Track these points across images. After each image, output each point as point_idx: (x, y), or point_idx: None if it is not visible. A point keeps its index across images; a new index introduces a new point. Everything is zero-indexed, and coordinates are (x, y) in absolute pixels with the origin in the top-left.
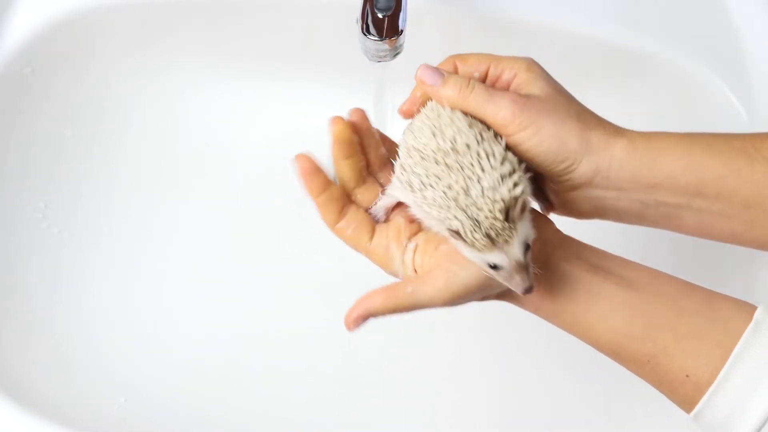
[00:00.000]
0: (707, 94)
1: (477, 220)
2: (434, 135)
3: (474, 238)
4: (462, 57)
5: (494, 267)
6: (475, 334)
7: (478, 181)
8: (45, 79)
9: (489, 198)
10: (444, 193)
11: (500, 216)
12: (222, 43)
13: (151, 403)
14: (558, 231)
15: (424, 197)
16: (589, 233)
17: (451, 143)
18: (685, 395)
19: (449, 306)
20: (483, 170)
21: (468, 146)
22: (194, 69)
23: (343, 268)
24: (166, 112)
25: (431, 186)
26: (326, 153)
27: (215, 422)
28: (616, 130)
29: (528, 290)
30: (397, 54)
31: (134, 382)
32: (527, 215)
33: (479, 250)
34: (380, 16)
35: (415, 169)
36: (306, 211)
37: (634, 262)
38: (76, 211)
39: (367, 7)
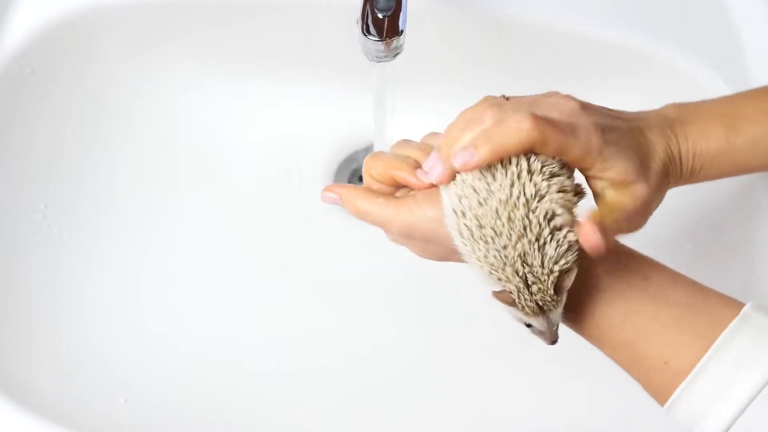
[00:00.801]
0: (708, 94)
1: (529, 288)
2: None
3: (525, 304)
4: (542, 142)
5: (528, 325)
6: (477, 333)
7: (539, 250)
8: (45, 79)
9: (547, 269)
10: (497, 252)
11: (551, 288)
12: (222, 43)
13: (151, 403)
14: None
15: (474, 250)
16: None
17: (517, 196)
18: (662, 384)
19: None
20: (545, 236)
21: (527, 202)
22: (194, 69)
23: (345, 268)
24: (166, 112)
25: (483, 240)
26: (326, 153)
27: (216, 423)
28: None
29: (553, 343)
30: (397, 54)
31: (134, 383)
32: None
33: (525, 315)
34: (380, 16)
35: (467, 214)
36: (307, 211)
37: (626, 249)
38: (76, 212)
39: (368, 7)
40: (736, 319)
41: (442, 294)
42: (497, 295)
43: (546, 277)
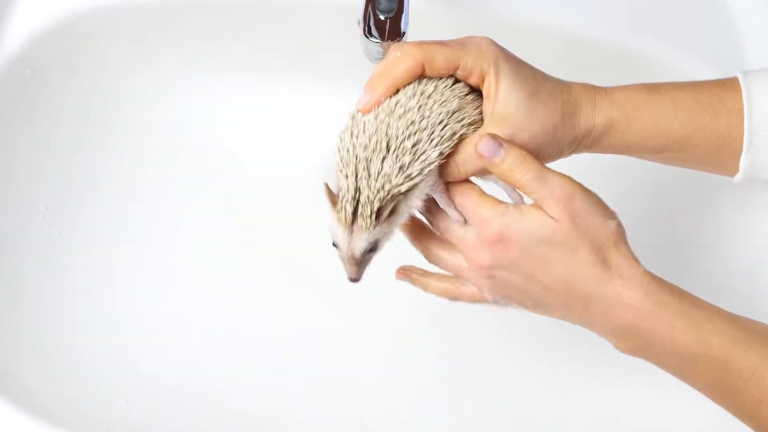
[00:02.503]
0: None
1: (356, 196)
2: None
3: (344, 207)
4: (430, 59)
5: (334, 244)
6: (478, 333)
7: (382, 162)
8: (45, 80)
9: (380, 184)
10: (353, 149)
11: (375, 205)
12: (223, 44)
13: (151, 405)
14: None
15: (342, 143)
16: None
17: (418, 103)
18: None
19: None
20: (398, 152)
21: (413, 122)
22: (195, 70)
23: None
24: (166, 113)
25: (354, 136)
26: (326, 154)
27: (216, 424)
28: (593, 107)
29: (352, 281)
30: None
31: (135, 385)
32: (397, 219)
33: (337, 221)
34: (382, 18)
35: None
36: (307, 212)
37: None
38: (77, 213)
39: (369, 8)
40: None
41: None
42: (327, 188)
43: (375, 192)
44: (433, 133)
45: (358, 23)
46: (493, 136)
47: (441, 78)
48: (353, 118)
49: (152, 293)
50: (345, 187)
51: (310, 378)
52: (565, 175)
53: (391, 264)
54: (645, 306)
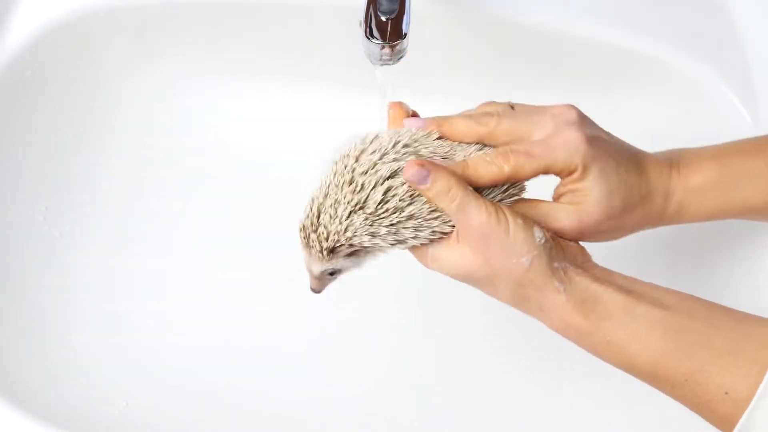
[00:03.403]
0: (711, 98)
1: (315, 227)
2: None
3: (302, 229)
4: (516, 171)
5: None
6: (478, 334)
7: (350, 213)
8: (45, 81)
9: (331, 226)
10: (332, 184)
11: (325, 245)
12: (223, 45)
13: (152, 406)
14: (589, 258)
15: (329, 173)
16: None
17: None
18: (725, 414)
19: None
20: (374, 214)
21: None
22: (195, 71)
23: None
24: (167, 114)
25: (338, 174)
26: (327, 154)
27: (217, 425)
28: (666, 197)
29: (312, 291)
30: (400, 57)
31: (135, 386)
32: (361, 259)
33: (302, 243)
34: (384, 19)
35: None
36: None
37: (663, 287)
38: (77, 214)
39: (371, 10)
40: None
41: (446, 298)
42: (308, 201)
43: (332, 234)
44: (417, 221)
45: (360, 24)
46: (421, 164)
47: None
48: (348, 157)
49: (153, 293)
50: (307, 213)
51: (311, 378)
52: (485, 206)
53: (393, 264)
54: (568, 334)
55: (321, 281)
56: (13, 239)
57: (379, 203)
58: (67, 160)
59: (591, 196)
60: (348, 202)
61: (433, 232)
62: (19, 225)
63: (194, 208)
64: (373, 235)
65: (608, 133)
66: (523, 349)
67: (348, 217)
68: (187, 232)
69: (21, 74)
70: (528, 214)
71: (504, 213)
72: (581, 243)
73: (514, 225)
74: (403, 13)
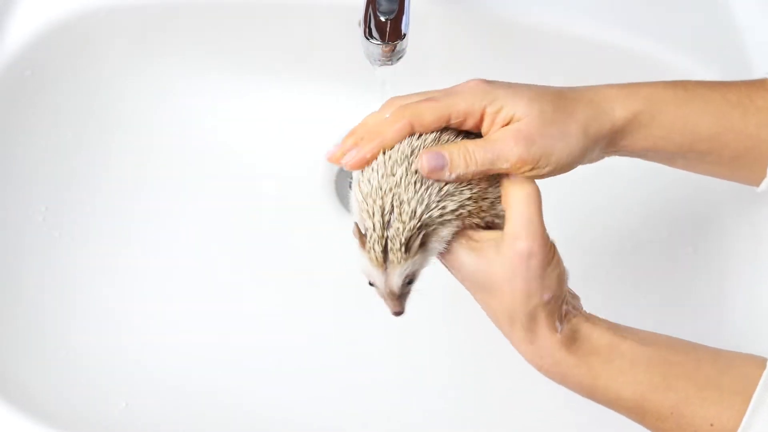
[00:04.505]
0: None
1: (384, 230)
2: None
3: (373, 247)
4: (418, 118)
5: (371, 284)
6: (478, 334)
7: (414, 186)
8: (45, 81)
9: (411, 211)
10: (374, 180)
11: (405, 236)
12: (223, 45)
13: (152, 407)
14: (579, 301)
15: (362, 178)
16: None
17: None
18: None
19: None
20: (423, 191)
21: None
22: (195, 71)
23: (347, 271)
24: (167, 114)
25: (375, 177)
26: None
27: (217, 426)
28: (617, 101)
29: (396, 314)
30: (400, 58)
31: (135, 387)
32: (430, 249)
33: (369, 261)
34: (383, 19)
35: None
36: (309, 214)
37: (646, 330)
38: (77, 214)
39: (370, 10)
40: (765, 373)
41: (449, 298)
42: (356, 228)
43: (406, 221)
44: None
45: (359, 24)
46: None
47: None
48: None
49: (153, 294)
50: (371, 226)
51: (311, 378)
52: (538, 232)
53: None
54: (554, 371)
55: (401, 298)
56: (12, 239)
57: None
58: (67, 160)
59: (515, 110)
60: (405, 180)
61: (492, 214)
62: (19, 225)
63: (194, 208)
64: (443, 209)
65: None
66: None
67: (416, 194)
68: (187, 232)
69: (21, 74)
70: (476, 157)
71: (553, 247)
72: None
73: (556, 259)
74: (403, 13)
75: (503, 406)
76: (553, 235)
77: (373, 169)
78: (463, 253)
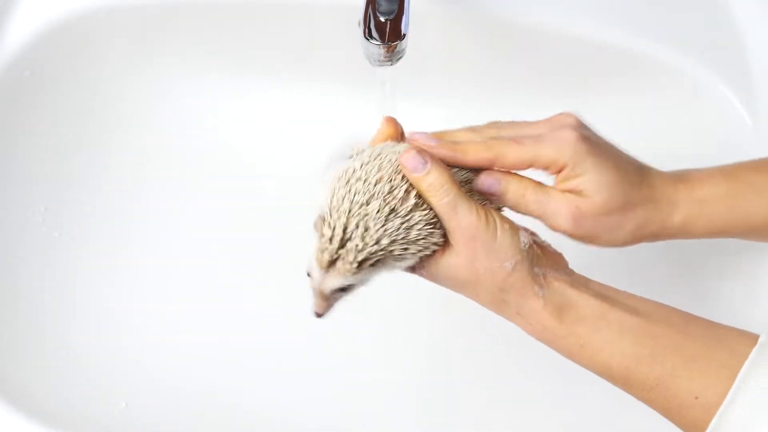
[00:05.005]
0: (711, 99)
1: (343, 240)
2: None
3: (326, 247)
4: (500, 157)
5: (308, 274)
6: (478, 334)
7: (387, 215)
8: (45, 81)
9: (375, 237)
10: (349, 192)
11: (360, 255)
12: (223, 45)
13: (152, 407)
14: (567, 265)
15: (339, 179)
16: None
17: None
18: (695, 418)
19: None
20: (391, 225)
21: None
22: (195, 72)
23: None
24: (167, 114)
25: (353, 179)
26: (327, 155)
27: (217, 426)
28: (672, 205)
29: (317, 315)
30: (399, 58)
31: (135, 387)
32: (375, 272)
33: (316, 260)
34: (382, 19)
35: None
36: (308, 213)
37: (638, 295)
38: (76, 214)
39: (370, 10)
40: (755, 349)
41: (447, 298)
42: (317, 220)
43: (368, 244)
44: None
45: (359, 25)
46: (420, 152)
47: None
48: (353, 168)
49: (152, 294)
50: (328, 237)
51: (311, 378)
52: (475, 208)
53: None
54: (543, 337)
55: (328, 301)
56: (12, 240)
57: (410, 209)
58: (66, 160)
59: (588, 186)
60: (377, 209)
61: (435, 243)
62: (19, 225)
63: (194, 208)
64: (406, 241)
65: (608, 141)
66: (526, 349)
67: (384, 224)
68: (187, 232)
69: (21, 74)
70: (527, 204)
71: (493, 217)
72: (590, 245)
73: (501, 229)
74: (402, 13)
75: (503, 405)
76: (549, 235)
77: (349, 188)
78: (432, 264)
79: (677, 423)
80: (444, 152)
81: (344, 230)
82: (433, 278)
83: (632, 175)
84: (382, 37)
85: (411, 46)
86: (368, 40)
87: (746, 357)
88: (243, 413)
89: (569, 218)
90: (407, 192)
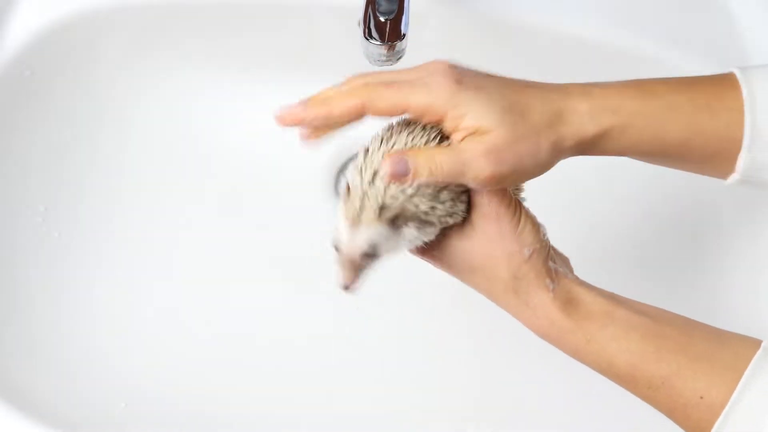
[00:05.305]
0: None
1: (368, 190)
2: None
3: (353, 202)
4: (371, 101)
5: (335, 247)
6: (482, 333)
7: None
8: (45, 81)
9: (395, 188)
10: (385, 143)
11: (380, 201)
12: (223, 45)
13: (151, 407)
14: (572, 269)
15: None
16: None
17: None
18: (700, 419)
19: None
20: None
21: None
22: (194, 71)
23: None
24: (166, 114)
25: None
26: (327, 156)
27: (217, 426)
28: (586, 115)
29: (345, 288)
30: (399, 58)
31: (135, 387)
32: (401, 234)
33: (343, 215)
34: (382, 19)
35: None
36: (308, 213)
37: (641, 302)
38: (76, 215)
39: (369, 10)
40: (759, 353)
41: (449, 298)
42: (346, 186)
43: (392, 189)
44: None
45: (359, 25)
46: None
47: None
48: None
49: (152, 294)
50: (358, 182)
51: (311, 379)
52: (506, 189)
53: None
54: (550, 332)
55: (356, 271)
56: (12, 240)
57: None
58: (66, 160)
59: (483, 120)
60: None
61: (461, 212)
62: (18, 225)
63: (194, 208)
64: (435, 202)
65: (487, 73)
66: (524, 349)
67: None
68: (186, 232)
69: (21, 74)
70: (443, 166)
71: (518, 203)
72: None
73: (525, 216)
74: (402, 13)
75: (503, 405)
76: (553, 232)
77: (383, 141)
78: (446, 245)
79: (681, 423)
80: (314, 112)
81: (374, 174)
82: (446, 261)
83: (525, 95)
84: (382, 37)
85: (411, 46)
86: (368, 40)
87: (750, 360)
88: (243, 413)
89: (488, 159)
90: None
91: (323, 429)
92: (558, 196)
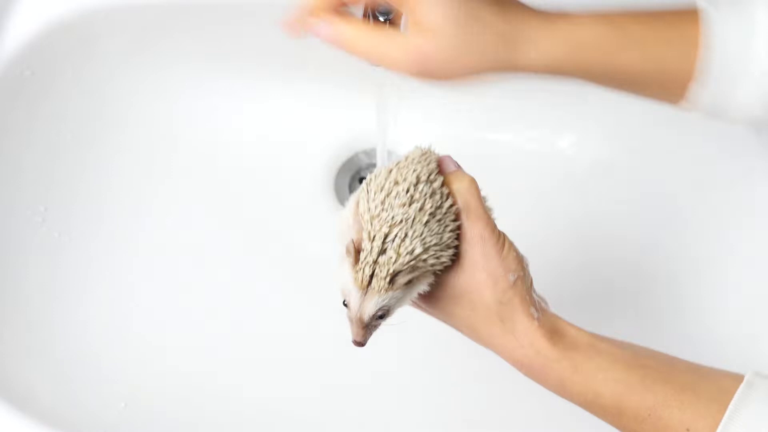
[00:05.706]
0: None
1: (378, 258)
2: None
3: (363, 268)
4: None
5: (345, 304)
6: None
7: (426, 224)
8: (44, 81)
9: (402, 249)
10: (381, 205)
11: (391, 270)
12: (221, 45)
13: (150, 408)
14: (549, 307)
15: (367, 192)
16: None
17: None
18: None
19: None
20: (427, 233)
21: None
22: (193, 71)
23: None
24: (165, 114)
25: (384, 191)
26: (327, 156)
27: (217, 426)
28: (543, 40)
29: (356, 344)
30: None
31: (134, 387)
32: (410, 291)
33: (353, 281)
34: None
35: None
36: (308, 213)
37: (621, 340)
38: (76, 214)
39: (369, 10)
40: (743, 385)
41: None
42: (354, 246)
43: (401, 254)
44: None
45: None
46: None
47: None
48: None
49: (152, 294)
50: (368, 249)
51: (311, 378)
52: (488, 215)
53: None
54: (535, 362)
55: (367, 329)
56: (12, 240)
57: (433, 211)
58: (66, 160)
59: (435, 19)
60: (417, 215)
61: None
62: (19, 225)
63: (194, 208)
64: (437, 248)
65: None
66: None
67: (422, 234)
68: (186, 232)
69: (21, 74)
70: (367, 48)
71: (502, 232)
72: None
73: (510, 243)
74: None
75: (503, 404)
76: (548, 236)
77: (386, 194)
78: (433, 285)
79: None
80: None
81: (384, 238)
82: (431, 294)
83: (485, 10)
84: None
85: None
86: None
87: (733, 392)
88: (243, 413)
89: (412, 63)
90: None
91: (323, 429)
92: (552, 206)
